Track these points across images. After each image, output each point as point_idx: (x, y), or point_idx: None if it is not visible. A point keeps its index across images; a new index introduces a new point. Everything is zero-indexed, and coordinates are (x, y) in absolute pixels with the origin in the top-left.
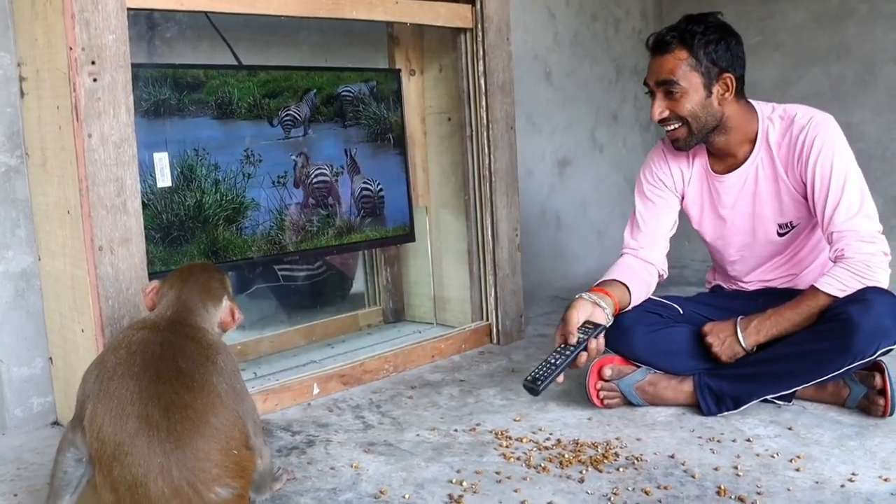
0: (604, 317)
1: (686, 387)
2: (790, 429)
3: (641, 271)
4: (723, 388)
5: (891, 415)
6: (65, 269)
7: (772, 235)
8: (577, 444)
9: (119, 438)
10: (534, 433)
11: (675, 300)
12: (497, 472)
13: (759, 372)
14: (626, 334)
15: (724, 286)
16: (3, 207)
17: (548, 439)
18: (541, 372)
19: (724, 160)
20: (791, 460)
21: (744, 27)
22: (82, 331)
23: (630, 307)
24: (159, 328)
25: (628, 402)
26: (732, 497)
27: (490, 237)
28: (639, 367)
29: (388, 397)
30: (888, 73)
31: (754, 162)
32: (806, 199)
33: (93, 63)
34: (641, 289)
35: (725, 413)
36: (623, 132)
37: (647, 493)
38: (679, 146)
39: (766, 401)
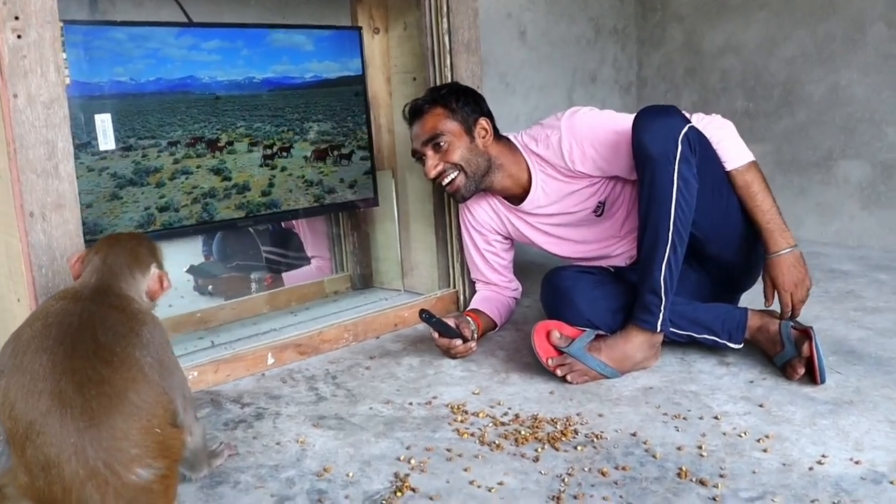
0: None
1: (654, 339)
2: (761, 406)
3: (498, 297)
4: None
5: (822, 383)
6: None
7: (592, 221)
8: (536, 419)
9: (31, 417)
10: (491, 407)
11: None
12: (448, 450)
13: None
14: (566, 297)
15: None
16: None
17: (505, 414)
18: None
19: (515, 194)
20: (759, 440)
21: None
22: (18, 300)
23: (499, 324)
24: (81, 298)
25: (594, 375)
26: (693, 480)
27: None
28: (585, 330)
29: (345, 367)
30: (877, 32)
31: (537, 184)
32: (604, 176)
33: (16, 18)
34: (503, 311)
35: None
36: (602, 94)
37: (603, 473)
38: (461, 195)
39: (717, 345)
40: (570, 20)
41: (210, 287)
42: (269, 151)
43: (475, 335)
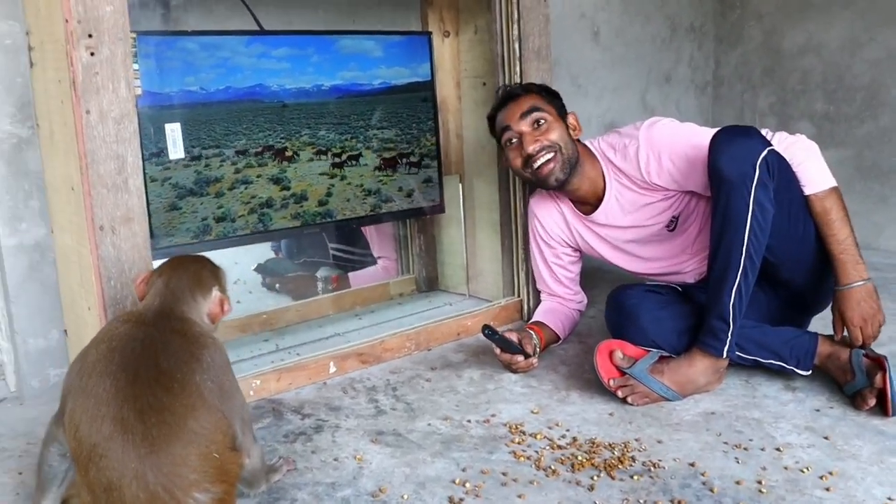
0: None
1: (718, 364)
2: (826, 438)
3: (562, 309)
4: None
5: (893, 415)
6: (72, 246)
7: (665, 236)
8: (594, 444)
9: (94, 440)
10: (550, 428)
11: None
12: (504, 473)
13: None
14: (631, 315)
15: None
16: (15, 179)
17: (563, 436)
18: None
19: (588, 200)
20: (822, 477)
21: None
22: (89, 308)
23: (563, 337)
24: (144, 322)
25: (655, 397)
26: None
27: (522, 208)
28: (649, 350)
29: (406, 378)
30: None
31: (611, 193)
32: (679, 190)
33: (90, 36)
34: (567, 324)
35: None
36: (677, 95)
37: None
38: (554, 180)
39: (784, 370)
40: (646, 19)
41: (277, 285)
42: (337, 160)
43: (538, 349)
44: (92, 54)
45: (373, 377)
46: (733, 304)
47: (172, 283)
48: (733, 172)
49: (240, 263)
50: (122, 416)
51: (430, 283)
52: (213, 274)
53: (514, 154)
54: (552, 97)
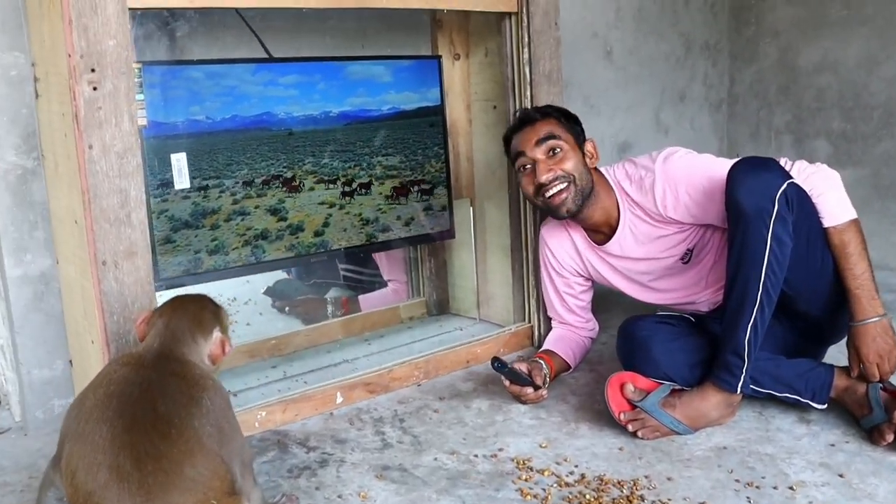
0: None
1: (730, 399)
2: (841, 476)
3: (573, 336)
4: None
5: None
6: (76, 278)
7: (679, 268)
8: (602, 481)
9: (90, 488)
10: (558, 464)
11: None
12: None
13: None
14: (643, 347)
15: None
16: (20, 210)
17: (571, 473)
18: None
19: (601, 230)
20: None
21: None
22: (92, 342)
23: (573, 365)
24: (143, 364)
25: (666, 431)
26: None
27: (532, 233)
28: (661, 383)
29: (413, 409)
30: None
31: (625, 224)
32: (693, 222)
33: (92, 70)
34: (578, 352)
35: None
36: (691, 113)
37: None
38: (566, 210)
39: (799, 403)
40: (659, 37)
41: (287, 309)
42: (347, 189)
43: (548, 379)
44: (95, 89)
45: (380, 407)
46: (748, 340)
47: (173, 325)
48: (751, 206)
49: (251, 282)
50: (118, 464)
51: (441, 307)
52: (215, 314)
53: (526, 181)
54: (571, 123)
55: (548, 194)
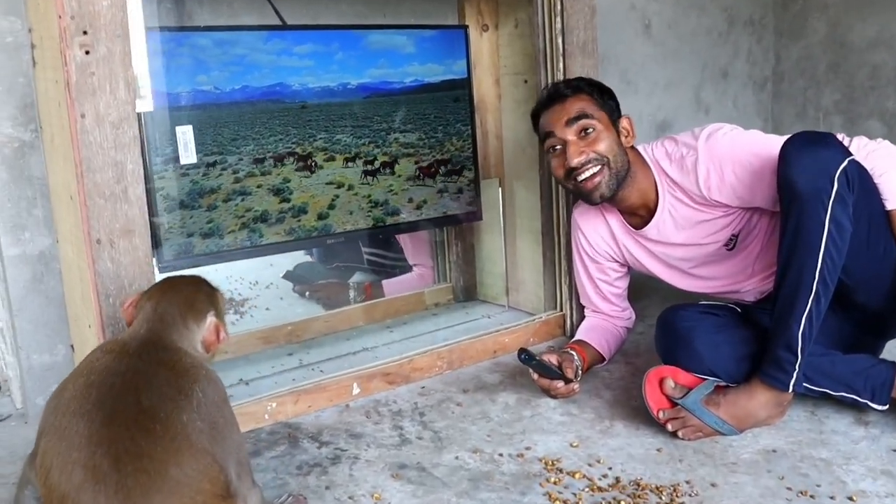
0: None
1: (780, 398)
2: None
3: (607, 326)
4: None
5: None
6: (74, 258)
7: (722, 255)
8: (639, 486)
9: (64, 489)
10: (590, 465)
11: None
12: None
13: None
14: (685, 340)
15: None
16: (17, 186)
17: (605, 476)
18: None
19: (638, 212)
20: None
21: None
22: (89, 326)
23: (607, 357)
24: (127, 352)
25: (709, 431)
26: None
27: (565, 216)
28: (704, 378)
29: (435, 402)
30: None
31: (664, 206)
32: (740, 205)
33: (84, 33)
34: (612, 343)
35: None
36: (734, 91)
37: None
38: (599, 195)
39: (856, 403)
40: (701, 11)
41: (307, 293)
42: (370, 168)
43: (580, 372)
44: (87, 53)
45: (399, 400)
46: (803, 333)
47: (162, 308)
48: (808, 186)
49: (275, 265)
50: (94, 463)
51: (468, 293)
52: (209, 297)
53: (556, 162)
54: (605, 98)
55: (580, 178)
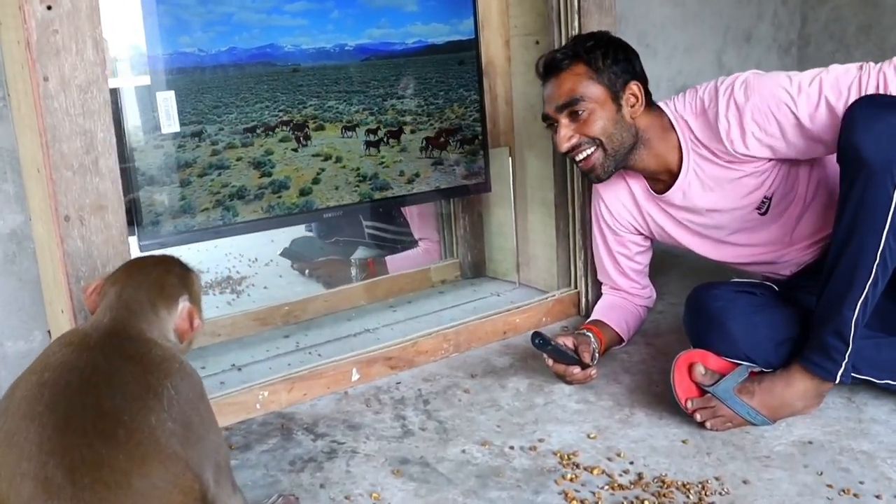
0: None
1: (822, 388)
2: None
3: (626, 305)
4: None
5: None
6: (45, 236)
7: (756, 221)
8: (664, 483)
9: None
10: (609, 460)
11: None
12: None
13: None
14: (717, 321)
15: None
16: None
17: (626, 472)
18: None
19: (660, 177)
20: None
21: None
22: (62, 311)
23: (626, 338)
24: (87, 345)
25: (739, 422)
26: None
27: (580, 187)
28: (738, 364)
29: (440, 388)
30: None
31: (688, 167)
32: (773, 158)
33: None
34: (632, 323)
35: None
36: (757, 55)
37: None
38: (596, 176)
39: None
40: None
41: (307, 271)
42: (372, 138)
43: (597, 355)
44: (49, 8)
45: (402, 386)
46: (856, 320)
47: (127, 294)
48: (877, 156)
49: (276, 241)
50: (45, 474)
51: (477, 269)
52: (182, 280)
53: (556, 139)
54: (607, 64)
55: (577, 159)
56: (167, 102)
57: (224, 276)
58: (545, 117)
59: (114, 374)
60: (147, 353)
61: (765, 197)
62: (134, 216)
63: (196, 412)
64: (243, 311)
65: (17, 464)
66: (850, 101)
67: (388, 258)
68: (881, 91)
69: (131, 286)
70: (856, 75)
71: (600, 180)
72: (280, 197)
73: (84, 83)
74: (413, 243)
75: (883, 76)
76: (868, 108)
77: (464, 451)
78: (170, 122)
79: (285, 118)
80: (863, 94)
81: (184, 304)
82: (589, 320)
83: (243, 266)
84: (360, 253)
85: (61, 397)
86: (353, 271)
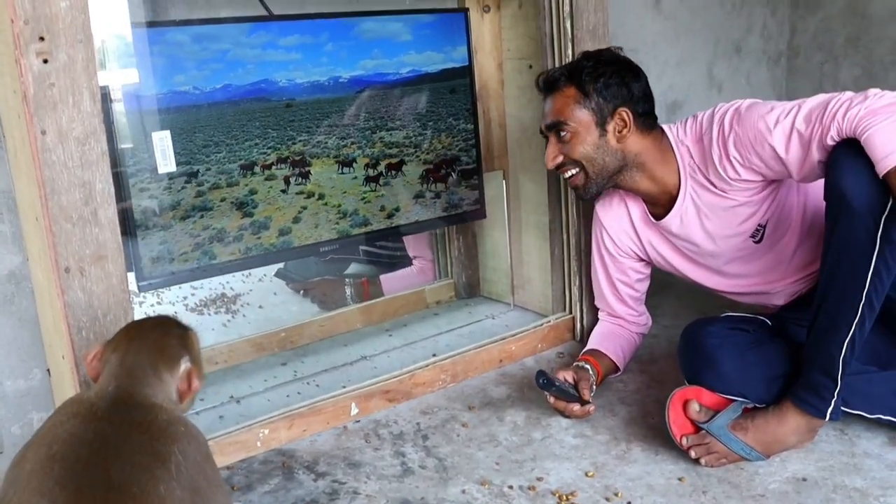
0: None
1: (813, 424)
2: None
3: (622, 333)
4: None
5: None
6: (44, 282)
7: (751, 250)
8: None
9: None
10: (607, 499)
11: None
12: None
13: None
14: (711, 359)
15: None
16: None
17: None
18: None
19: (658, 201)
20: None
21: None
22: (62, 357)
23: (622, 367)
24: (94, 416)
25: (734, 458)
26: None
27: (575, 212)
28: (732, 400)
29: (439, 422)
30: None
31: (685, 193)
32: (764, 187)
33: (41, 39)
34: (627, 352)
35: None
36: (747, 67)
37: None
38: (579, 194)
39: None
40: None
41: (301, 292)
42: (371, 173)
43: (594, 388)
44: (45, 61)
45: (400, 419)
46: (844, 358)
47: (129, 360)
48: (860, 198)
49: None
50: None
51: (471, 290)
52: (181, 340)
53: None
54: (597, 88)
55: (564, 176)
56: (163, 142)
57: (218, 293)
58: (541, 130)
59: (122, 446)
60: (154, 419)
61: (759, 225)
62: (130, 260)
63: (203, 475)
64: (240, 336)
65: None
66: (816, 130)
67: (383, 277)
68: (846, 120)
69: (133, 352)
70: (824, 104)
71: (584, 199)
72: (283, 233)
73: (82, 135)
74: (407, 261)
75: (848, 102)
76: (851, 150)
77: (464, 492)
78: (166, 162)
79: (284, 154)
80: (827, 120)
81: (185, 366)
82: (586, 350)
83: (237, 283)
84: (353, 269)
85: (71, 472)
86: (348, 291)
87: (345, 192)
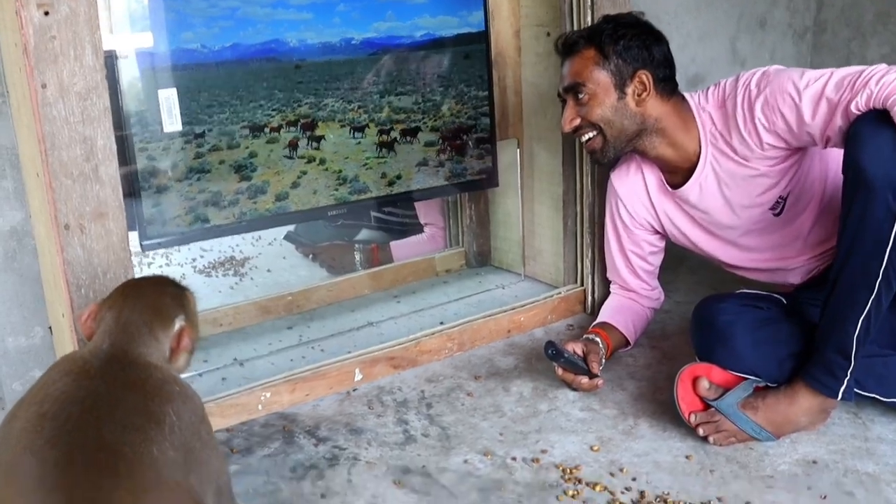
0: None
1: (825, 404)
2: None
3: (634, 307)
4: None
5: None
6: (45, 238)
7: (770, 222)
8: (665, 502)
9: None
10: (612, 475)
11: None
12: None
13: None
14: (723, 336)
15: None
16: None
17: (628, 489)
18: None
19: (677, 169)
20: None
21: None
22: (62, 315)
23: (632, 342)
24: (88, 374)
25: (743, 437)
26: None
27: (589, 183)
28: (743, 378)
29: (444, 391)
30: None
31: (706, 160)
32: (787, 157)
33: None
34: (639, 326)
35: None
36: (772, 41)
37: None
38: (596, 159)
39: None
40: None
41: (311, 256)
42: (385, 138)
43: (603, 361)
44: (46, 13)
45: (405, 386)
46: (858, 336)
47: (125, 318)
48: (878, 172)
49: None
50: None
51: (482, 259)
52: (177, 300)
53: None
54: (617, 50)
55: (582, 140)
56: (169, 100)
57: (227, 255)
58: (559, 94)
59: (115, 405)
60: (148, 378)
61: (780, 197)
62: (136, 217)
63: (197, 437)
64: (246, 299)
65: (15, 500)
66: (845, 96)
67: (393, 244)
68: (879, 87)
69: (128, 310)
70: (858, 72)
71: (601, 163)
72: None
73: (83, 90)
74: (418, 228)
75: (884, 71)
76: (872, 123)
77: (466, 461)
78: (172, 121)
79: (295, 115)
80: (858, 87)
81: (179, 324)
82: (596, 323)
83: (247, 245)
84: (363, 235)
85: (62, 431)
86: (357, 257)
87: (353, 158)
